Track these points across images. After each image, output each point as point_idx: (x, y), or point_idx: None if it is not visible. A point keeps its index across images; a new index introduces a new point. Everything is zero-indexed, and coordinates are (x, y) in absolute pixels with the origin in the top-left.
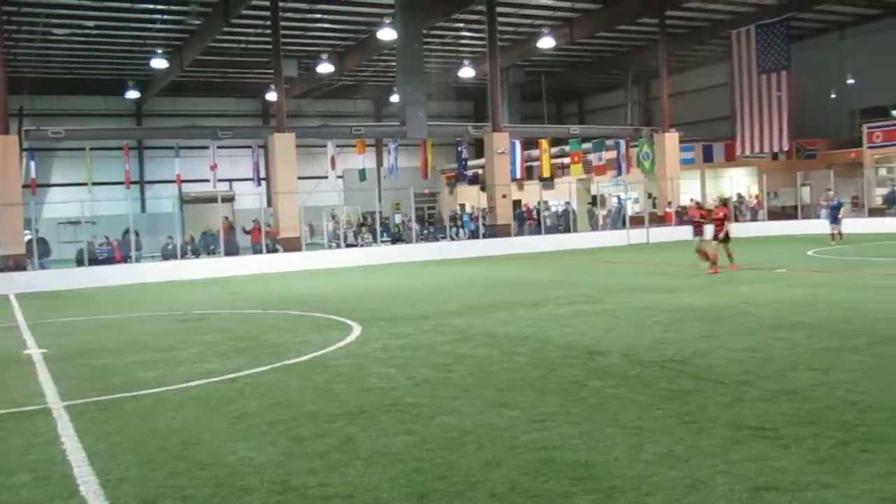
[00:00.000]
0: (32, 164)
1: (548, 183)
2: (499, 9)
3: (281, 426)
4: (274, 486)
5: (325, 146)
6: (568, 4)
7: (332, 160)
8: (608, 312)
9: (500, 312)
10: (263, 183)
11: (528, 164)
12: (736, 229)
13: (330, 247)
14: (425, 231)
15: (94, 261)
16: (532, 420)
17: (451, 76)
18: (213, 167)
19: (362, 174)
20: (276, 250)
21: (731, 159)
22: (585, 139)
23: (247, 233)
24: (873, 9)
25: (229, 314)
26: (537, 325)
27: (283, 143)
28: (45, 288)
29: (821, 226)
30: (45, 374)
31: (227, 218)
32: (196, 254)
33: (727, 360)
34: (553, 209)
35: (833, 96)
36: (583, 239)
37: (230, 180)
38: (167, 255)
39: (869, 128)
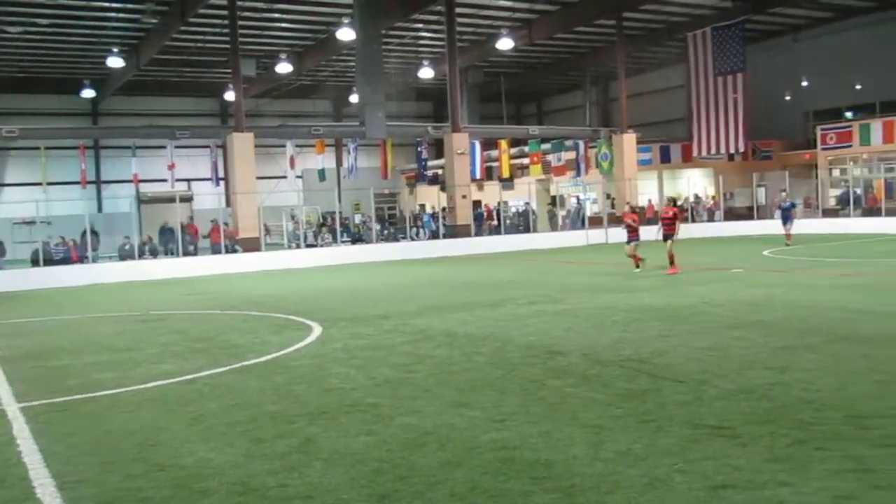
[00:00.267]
0: None
1: (507, 183)
2: (458, 9)
3: (240, 427)
4: (234, 487)
5: (284, 146)
6: (526, 6)
7: (292, 160)
8: (568, 312)
9: (461, 312)
10: (222, 183)
11: (488, 164)
12: (692, 230)
13: (290, 247)
14: (385, 231)
15: (49, 261)
16: (492, 420)
17: (411, 76)
18: (171, 167)
19: (322, 174)
20: (235, 251)
21: (688, 160)
22: (544, 140)
23: (205, 237)
24: (826, 11)
25: (188, 315)
26: (497, 325)
27: (242, 143)
28: None
29: (776, 226)
30: None
31: (191, 218)
32: (154, 254)
33: (685, 359)
34: (513, 209)
35: (788, 98)
36: (542, 239)
37: (188, 180)
38: (124, 255)
39: (822, 129)
